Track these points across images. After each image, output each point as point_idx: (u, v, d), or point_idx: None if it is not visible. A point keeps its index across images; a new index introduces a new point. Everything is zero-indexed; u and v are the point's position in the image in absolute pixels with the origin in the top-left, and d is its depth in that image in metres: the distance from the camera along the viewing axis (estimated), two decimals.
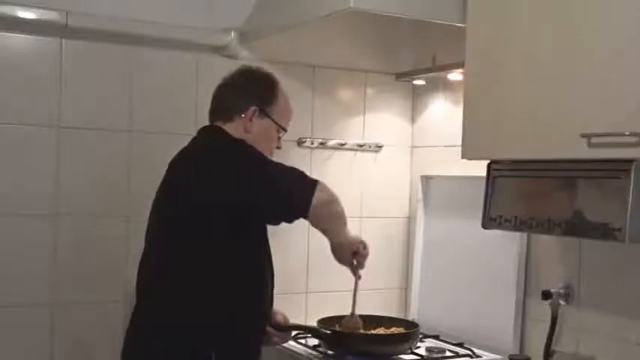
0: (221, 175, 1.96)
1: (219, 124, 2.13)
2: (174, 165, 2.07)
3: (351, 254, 2.18)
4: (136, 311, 2.06)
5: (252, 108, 2.10)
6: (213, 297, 1.97)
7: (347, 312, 2.36)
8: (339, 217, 2.10)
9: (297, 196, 1.99)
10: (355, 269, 2.23)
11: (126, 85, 2.49)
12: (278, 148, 2.20)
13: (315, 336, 2.35)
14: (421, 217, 2.84)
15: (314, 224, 2.06)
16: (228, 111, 2.12)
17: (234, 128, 2.10)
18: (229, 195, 1.94)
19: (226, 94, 2.16)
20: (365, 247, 2.21)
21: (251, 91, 2.14)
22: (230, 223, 1.95)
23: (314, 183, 2.00)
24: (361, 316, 2.37)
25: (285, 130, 2.19)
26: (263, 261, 2.08)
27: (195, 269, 1.97)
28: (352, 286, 2.26)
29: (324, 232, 2.10)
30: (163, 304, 1.99)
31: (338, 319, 2.39)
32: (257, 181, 1.97)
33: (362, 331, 2.37)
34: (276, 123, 2.15)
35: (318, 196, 1.98)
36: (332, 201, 2.05)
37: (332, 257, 2.16)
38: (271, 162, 2.05)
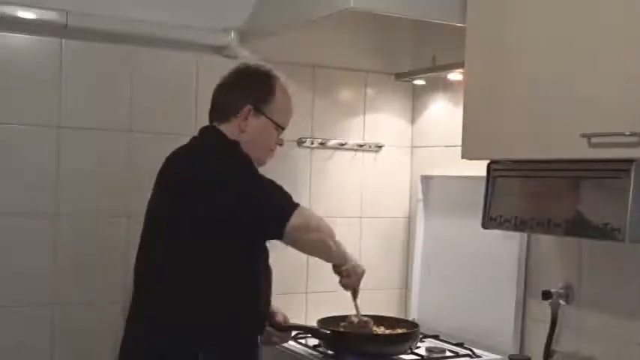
0: (213, 176, 1.96)
1: (216, 124, 2.12)
2: (168, 163, 2.07)
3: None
4: (134, 310, 2.06)
5: (247, 107, 2.09)
6: (210, 296, 1.97)
7: (346, 312, 2.36)
8: (321, 244, 2.07)
9: (272, 217, 1.96)
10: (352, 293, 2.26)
11: (126, 85, 2.49)
12: (280, 145, 2.19)
13: (315, 336, 2.35)
14: (421, 217, 2.84)
15: (296, 248, 2.04)
16: (224, 111, 2.11)
17: (230, 128, 2.09)
18: (218, 197, 1.93)
19: (222, 93, 2.15)
20: (353, 271, 2.20)
21: (246, 89, 2.12)
22: (225, 224, 1.94)
23: (292, 208, 1.96)
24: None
25: (283, 128, 2.17)
26: (259, 260, 2.08)
27: (192, 269, 1.97)
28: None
29: (310, 255, 2.10)
30: (162, 304, 1.99)
31: (340, 319, 2.39)
32: (241, 190, 1.95)
33: (375, 329, 2.38)
34: (273, 121, 2.13)
35: (292, 222, 1.93)
36: (309, 229, 2.00)
37: None
38: (259, 176, 1.99)
